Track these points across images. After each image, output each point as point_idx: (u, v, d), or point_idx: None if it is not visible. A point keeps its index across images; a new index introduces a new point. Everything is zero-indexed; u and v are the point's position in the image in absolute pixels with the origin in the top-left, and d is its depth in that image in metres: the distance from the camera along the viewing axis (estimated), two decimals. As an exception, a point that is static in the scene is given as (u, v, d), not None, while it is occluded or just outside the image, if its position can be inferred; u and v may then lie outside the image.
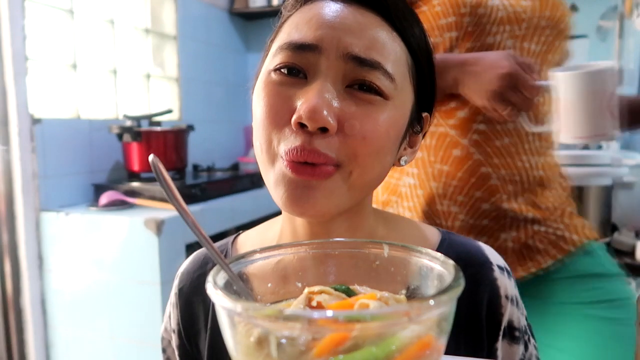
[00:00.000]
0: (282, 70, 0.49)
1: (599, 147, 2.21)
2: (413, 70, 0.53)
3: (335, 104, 0.47)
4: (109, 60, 2.19)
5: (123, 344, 1.74)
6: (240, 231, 0.68)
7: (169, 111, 2.17)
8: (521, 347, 0.57)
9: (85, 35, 2.06)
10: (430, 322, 0.29)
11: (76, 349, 1.82)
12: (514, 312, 0.57)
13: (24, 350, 1.83)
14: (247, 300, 0.36)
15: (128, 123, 2.04)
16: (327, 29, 0.48)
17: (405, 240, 0.60)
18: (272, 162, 0.50)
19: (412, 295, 0.37)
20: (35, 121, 1.80)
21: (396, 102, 0.50)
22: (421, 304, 0.28)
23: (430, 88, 0.56)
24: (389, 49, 0.49)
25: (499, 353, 0.56)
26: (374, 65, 0.48)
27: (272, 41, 0.55)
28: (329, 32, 0.48)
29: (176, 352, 0.63)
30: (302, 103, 0.46)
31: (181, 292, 0.63)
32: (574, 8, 2.63)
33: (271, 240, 0.61)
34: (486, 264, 0.57)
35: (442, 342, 0.31)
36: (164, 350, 0.66)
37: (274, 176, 0.49)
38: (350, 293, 0.36)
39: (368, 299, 0.34)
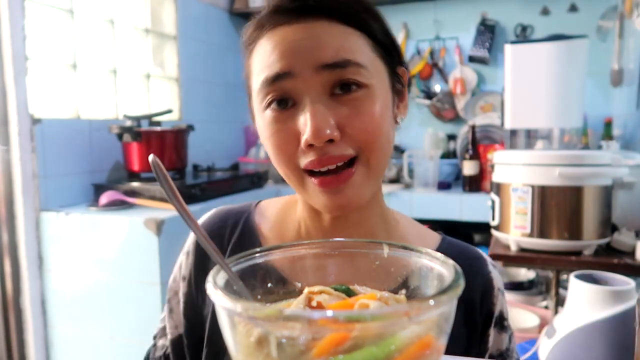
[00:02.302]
0: (272, 106, 0.54)
1: (599, 147, 2.21)
2: (371, 43, 0.56)
3: (330, 115, 0.51)
4: (109, 60, 2.19)
5: (123, 344, 1.74)
6: (260, 200, 0.71)
7: (169, 111, 2.17)
8: (507, 337, 0.63)
9: (85, 35, 2.06)
10: (430, 322, 0.29)
11: (76, 348, 1.82)
12: (504, 304, 0.63)
13: (24, 350, 1.83)
14: (247, 300, 0.36)
15: (128, 123, 2.04)
16: (291, 53, 0.52)
17: (412, 232, 0.65)
18: (301, 182, 0.55)
19: (412, 295, 0.37)
20: (35, 121, 1.80)
21: (375, 84, 0.54)
22: (421, 304, 0.28)
23: (392, 46, 0.59)
24: (349, 42, 0.53)
25: (490, 339, 0.62)
26: (344, 64, 0.52)
27: (248, 78, 0.59)
28: (295, 55, 0.52)
29: (181, 300, 0.66)
30: (304, 127, 0.51)
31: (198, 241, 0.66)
32: (574, 8, 2.63)
33: (294, 224, 0.65)
34: (482, 259, 0.65)
35: (442, 342, 0.31)
36: (168, 301, 0.69)
37: (309, 193, 0.55)
38: (350, 293, 0.36)
39: (368, 299, 0.34)
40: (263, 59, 0.54)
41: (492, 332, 0.61)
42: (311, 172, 0.53)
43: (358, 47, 0.53)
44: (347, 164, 0.53)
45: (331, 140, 0.51)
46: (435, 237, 0.67)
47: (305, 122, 0.51)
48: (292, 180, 0.56)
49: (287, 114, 0.53)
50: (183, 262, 0.68)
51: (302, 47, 0.52)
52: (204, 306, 0.64)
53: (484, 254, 0.66)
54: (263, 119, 0.55)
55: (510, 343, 0.63)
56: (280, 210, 0.68)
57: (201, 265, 0.66)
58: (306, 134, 0.50)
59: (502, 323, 0.62)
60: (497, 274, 0.64)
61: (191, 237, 0.69)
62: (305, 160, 0.53)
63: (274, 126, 0.54)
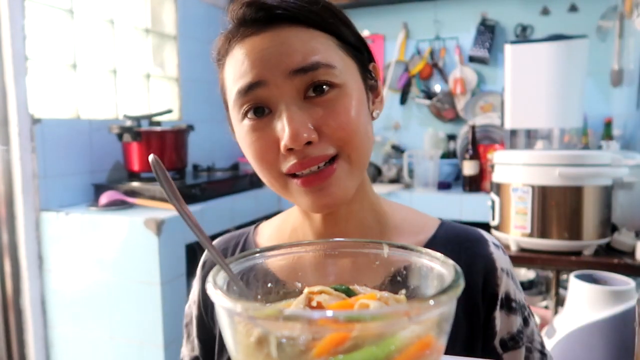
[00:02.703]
0: (248, 115, 0.55)
1: (599, 147, 2.21)
2: (344, 45, 0.57)
3: (306, 118, 0.52)
4: (109, 60, 2.19)
5: (123, 344, 1.74)
6: (261, 221, 0.73)
7: (169, 111, 2.17)
8: (519, 319, 0.60)
9: (85, 35, 2.06)
10: (430, 322, 0.29)
11: (76, 349, 1.82)
12: (510, 284, 0.61)
13: (24, 350, 1.83)
14: (247, 300, 0.36)
15: (128, 123, 2.04)
16: (261, 62, 0.53)
17: (408, 221, 0.65)
18: (285, 186, 0.56)
19: (412, 295, 0.37)
20: (35, 121, 1.80)
21: (347, 82, 0.55)
22: (421, 304, 0.28)
23: (360, 43, 0.60)
24: (317, 45, 0.54)
25: (497, 322, 0.59)
26: (314, 66, 0.52)
27: (222, 92, 0.60)
28: (265, 63, 0.53)
29: (194, 323, 0.69)
30: (282, 133, 0.52)
31: (204, 265, 0.70)
32: (574, 8, 2.63)
33: (289, 231, 0.66)
34: (482, 240, 0.63)
35: (442, 342, 0.31)
36: (186, 326, 0.71)
37: (293, 195, 0.56)
38: (350, 293, 0.36)
39: (368, 299, 0.34)
40: (235, 70, 0.55)
41: (499, 314, 0.59)
42: (294, 175, 0.54)
43: (327, 48, 0.54)
44: (329, 162, 0.54)
45: (310, 143, 0.52)
46: (433, 223, 0.66)
47: (282, 128, 0.52)
48: (276, 186, 0.57)
49: (264, 122, 0.54)
50: (195, 285, 0.70)
51: (271, 54, 0.52)
52: (214, 326, 0.67)
53: (486, 234, 0.65)
54: (241, 129, 0.56)
55: (527, 327, 0.61)
56: (277, 223, 0.70)
57: None
58: (284, 139, 0.51)
59: (509, 305, 0.60)
60: (501, 254, 0.62)
61: (201, 261, 0.71)
62: (287, 165, 0.53)
63: (253, 135, 0.54)
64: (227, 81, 0.57)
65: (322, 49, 0.54)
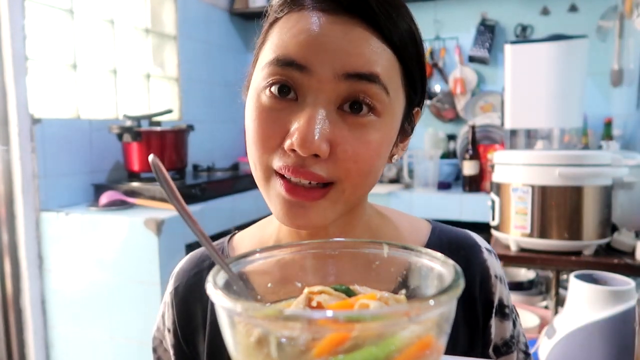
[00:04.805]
0: (272, 89, 0.48)
1: (599, 147, 2.21)
2: (403, 74, 0.51)
3: (327, 129, 0.46)
4: (109, 60, 2.19)
5: (123, 344, 1.74)
6: (236, 230, 0.68)
7: (169, 111, 2.17)
8: (511, 324, 0.61)
9: (85, 35, 2.06)
10: (430, 322, 0.29)
11: (76, 349, 1.82)
12: (503, 291, 0.61)
13: (24, 350, 1.83)
14: (247, 300, 0.36)
15: (128, 123, 2.04)
16: (316, 49, 0.46)
17: (399, 229, 0.62)
18: (267, 179, 0.50)
19: (412, 295, 0.37)
20: (35, 121, 1.80)
21: (388, 117, 0.50)
22: (421, 304, 0.28)
23: (420, 86, 0.55)
24: (382, 61, 0.48)
25: (493, 329, 0.59)
26: (372, 78, 0.47)
27: (260, 46, 0.53)
28: (320, 54, 0.46)
29: (171, 352, 0.63)
30: (295, 130, 0.46)
31: (177, 291, 0.63)
32: (574, 8, 2.63)
33: (268, 238, 0.62)
34: (476, 246, 0.61)
35: (442, 343, 0.31)
36: (154, 350, 0.66)
37: (270, 193, 0.51)
38: (350, 293, 0.36)
39: (368, 299, 0.34)
40: (286, 34, 0.48)
41: (494, 321, 0.59)
42: (281, 174, 0.49)
43: (390, 71, 0.49)
44: (322, 184, 0.49)
45: (317, 156, 0.46)
46: (425, 227, 0.63)
47: (298, 126, 0.46)
48: (259, 176, 0.51)
49: (284, 105, 0.48)
50: (166, 312, 0.64)
51: (332, 46, 0.46)
52: (196, 353, 0.61)
53: (479, 239, 0.63)
54: (256, 100, 0.50)
55: (515, 329, 0.61)
56: (255, 233, 0.65)
57: (185, 315, 0.62)
58: (293, 138, 0.45)
59: (502, 311, 0.60)
60: (494, 260, 0.61)
61: (170, 286, 0.64)
62: (280, 162, 0.47)
63: (265, 113, 0.49)
64: (271, 39, 0.50)
65: (387, 68, 0.48)
